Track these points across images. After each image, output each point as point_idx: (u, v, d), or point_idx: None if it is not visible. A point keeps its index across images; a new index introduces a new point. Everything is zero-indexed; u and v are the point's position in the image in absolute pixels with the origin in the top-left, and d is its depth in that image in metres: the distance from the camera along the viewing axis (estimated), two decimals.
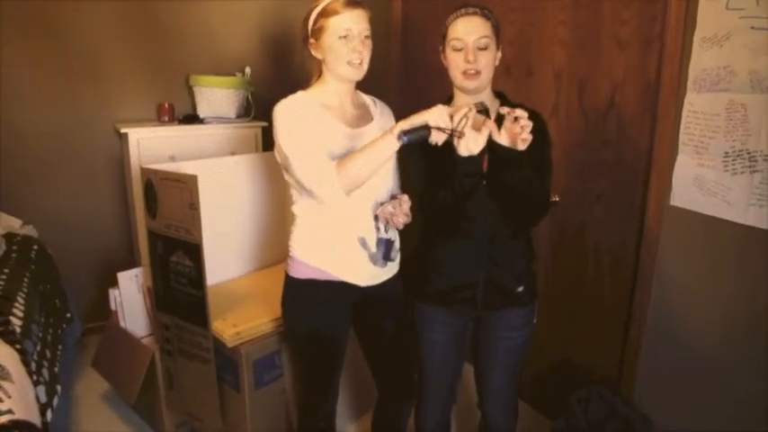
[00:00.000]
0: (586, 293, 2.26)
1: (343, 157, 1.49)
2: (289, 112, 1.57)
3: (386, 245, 1.67)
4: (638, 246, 2.02)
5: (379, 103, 1.78)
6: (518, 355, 1.72)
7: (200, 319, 1.97)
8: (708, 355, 1.85)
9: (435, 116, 1.37)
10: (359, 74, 1.59)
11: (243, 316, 2.08)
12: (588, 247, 2.23)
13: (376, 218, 1.64)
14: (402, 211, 1.61)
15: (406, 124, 1.39)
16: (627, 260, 2.09)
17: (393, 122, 1.75)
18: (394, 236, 1.71)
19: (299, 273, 1.68)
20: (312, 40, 1.60)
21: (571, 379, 2.31)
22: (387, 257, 1.68)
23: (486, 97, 1.59)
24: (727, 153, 1.71)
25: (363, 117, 1.69)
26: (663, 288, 1.96)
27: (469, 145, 1.38)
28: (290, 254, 1.70)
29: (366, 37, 1.56)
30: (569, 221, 2.27)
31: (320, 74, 1.65)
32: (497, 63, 1.57)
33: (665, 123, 1.87)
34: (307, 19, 1.60)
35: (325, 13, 1.54)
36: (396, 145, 1.40)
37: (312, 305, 1.68)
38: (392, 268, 1.75)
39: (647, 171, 1.96)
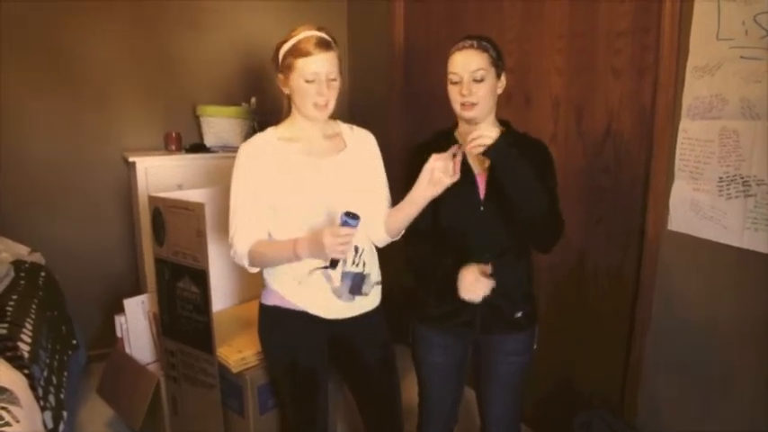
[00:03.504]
0: (587, 317, 2.28)
1: (262, 243, 1.59)
2: (246, 159, 1.61)
3: (353, 279, 1.63)
4: (638, 269, 2.04)
5: (357, 130, 1.77)
6: (518, 379, 1.73)
7: (205, 345, 1.99)
8: (709, 378, 1.86)
9: (331, 246, 1.44)
10: (324, 115, 1.60)
11: (248, 341, 2.10)
12: (588, 271, 2.26)
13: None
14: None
15: (305, 247, 1.50)
16: (627, 284, 2.11)
17: (372, 148, 1.76)
18: (369, 270, 1.67)
19: (267, 299, 1.70)
20: (280, 76, 1.61)
21: (573, 402, 2.30)
22: (356, 292, 1.63)
23: (490, 125, 1.62)
24: (721, 178, 1.75)
25: (335, 147, 1.69)
26: (663, 312, 1.98)
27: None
28: (263, 281, 1.73)
29: (332, 80, 1.56)
30: (569, 245, 2.29)
31: (290, 106, 1.66)
32: (500, 91, 1.61)
33: (660, 150, 1.91)
34: (277, 51, 1.60)
35: (294, 52, 1.54)
36: (296, 259, 1.54)
37: (280, 333, 1.69)
38: (365, 303, 1.70)
39: (645, 196, 1.99)
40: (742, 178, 1.69)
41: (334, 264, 1.49)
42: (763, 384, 1.71)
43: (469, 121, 1.61)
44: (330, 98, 1.58)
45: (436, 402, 1.78)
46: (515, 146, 1.60)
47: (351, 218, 1.42)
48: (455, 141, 1.65)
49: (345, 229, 1.42)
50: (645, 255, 2.00)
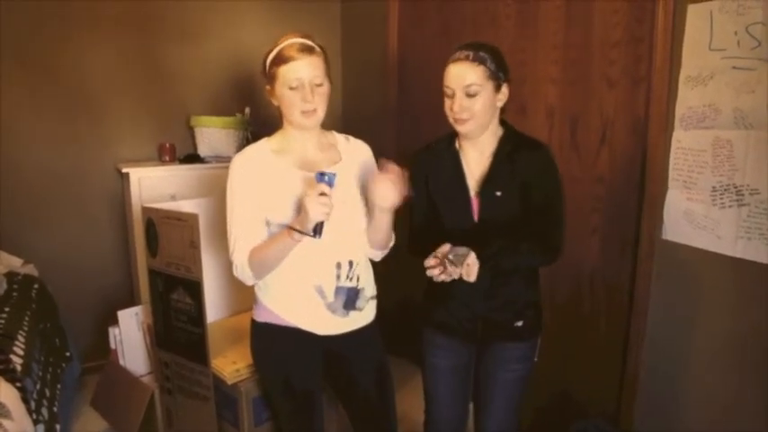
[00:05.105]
0: (583, 326, 2.28)
1: (257, 246, 1.53)
2: (239, 170, 1.57)
3: (347, 294, 1.60)
4: (633, 279, 2.04)
5: (353, 140, 1.73)
6: (515, 389, 1.70)
7: (200, 357, 1.98)
8: (705, 386, 1.86)
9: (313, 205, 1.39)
10: (313, 122, 1.55)
11: (243, 353, 2.08)
12: (583, 281, 2.26)
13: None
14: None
15: (296, 224, 1.44)
16: (622, 293, 2.11)
17: (368, 160, 1.72)
18: (363, 285, 1.64)
19: (259, 316, 1.67)
20: (268, 87, 1.57)
21: (570, 412, 2.30)
22: (349, 307, 1.60)
23: (491, 134, 1.60)
24: (714, 188, 1.75)
25: (329, 159, 1.63)
26: (658, 320, 1.98)
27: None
28: (255, 297, 1.70)
29: (317, 85, 1.51)
30: (564, 255, 2.27)
31: (282, 118, 1.63)
32: (501, 104, 1.56)
33: (654, 159, 1.93)
34: (264, 63, 1.57)
35: (278, 60, 1.50)
36: (293, 243, 1.46)
37: (273, 350, 1.66)
38: (359, 318, 1.66)
39: (639, 206, 2.00)
40: (735, 188, 1.70)
41: (317, 230, 1.42)
42: (761, 392, 1.71)
43: (464, 136, 1.59)
44: (318, 104, 1.52)
45: (442, 412, 1.75)
46: (511, 154, 1.59)
47: (324, 176, 1.39)
48: (455, 154, 1.62)
49: (320, 186, 1.39)
50: (639, 264, 2.01)
